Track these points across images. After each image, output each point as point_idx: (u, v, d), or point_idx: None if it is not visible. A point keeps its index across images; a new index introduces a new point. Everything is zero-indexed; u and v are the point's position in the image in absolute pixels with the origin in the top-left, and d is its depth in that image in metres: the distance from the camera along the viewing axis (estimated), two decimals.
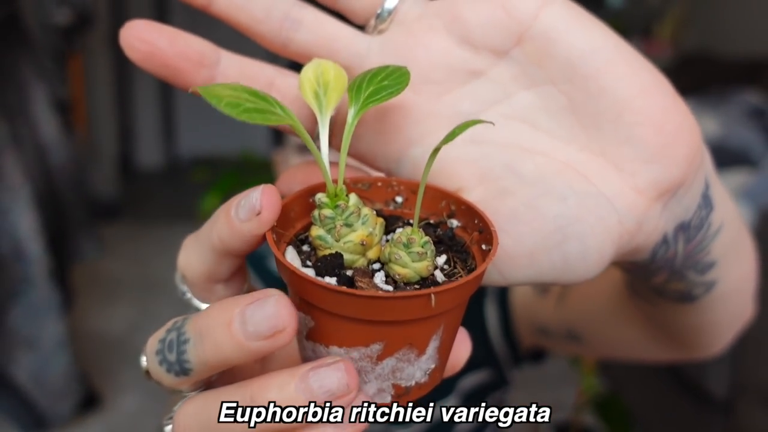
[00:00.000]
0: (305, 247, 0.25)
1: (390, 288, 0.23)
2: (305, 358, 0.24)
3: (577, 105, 0.26)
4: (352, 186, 0.27)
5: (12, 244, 1.64)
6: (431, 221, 0.27)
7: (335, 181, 0.24)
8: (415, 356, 0.23)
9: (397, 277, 0.23)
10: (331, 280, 0.23)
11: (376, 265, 0.24)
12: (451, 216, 0.27)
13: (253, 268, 0.77)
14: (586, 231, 0.25)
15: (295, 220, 0.26)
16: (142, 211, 3.40)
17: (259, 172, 1.83)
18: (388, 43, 0.27)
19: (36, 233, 1.66)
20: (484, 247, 0.25)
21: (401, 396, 0.24)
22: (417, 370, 0.23)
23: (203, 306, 0.27)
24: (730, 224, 0.32)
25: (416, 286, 0.23)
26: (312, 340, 0.23)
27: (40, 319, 1.71)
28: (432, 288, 0.21)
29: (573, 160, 0.26)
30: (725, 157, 1.72)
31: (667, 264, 0.30)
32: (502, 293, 0.67)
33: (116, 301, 2.47)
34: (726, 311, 0.39)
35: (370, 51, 0.28)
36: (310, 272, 0.23)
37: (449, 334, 0.24)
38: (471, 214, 0.26)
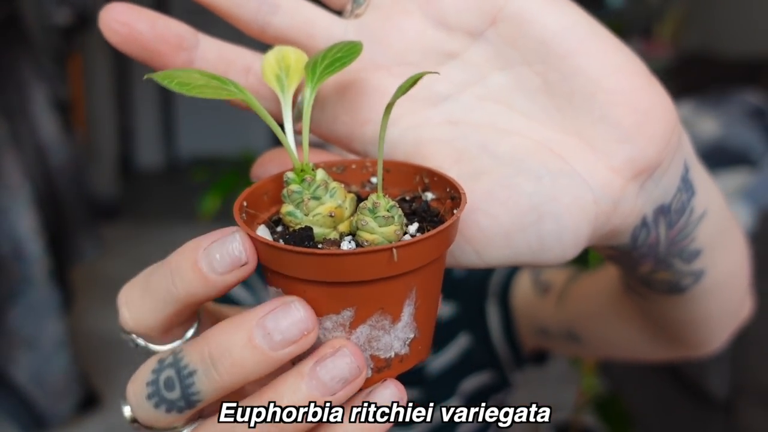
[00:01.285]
0: (279, 228, 0.25)
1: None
2: None
3: (551, 85, 0.26)
4: (326, 170, 0.27)
5: (12, 244, 1.64)
6: (406, 197, 0.27)
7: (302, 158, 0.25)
8: (389, 323, 0.23)
9: (365, 243, 0.23)
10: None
11: (348, 238, 0.24)
12: (425, 190, 0.27)
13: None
14: (561, 210, 0.25)
15: (270, 204, 0.26)
16: (142, 211, 3.40)
17: None
18: (364, 28, 0.28)
19: (36, 233, 1.66)
20: (455, 212, 0.25)
21: (382, 369, 0.23)
22: (394, 339, 0.23)
23: (162, 348, 0.26)
24: (716, 212, 0.32)
25: None
26: None
27: (40, 319, 1.71)
28: (394, 243, 0.21)
29: (548, 139, 0.26)
30: (725, 157, 1.72)
31: (650, 251, 0.30)
32: (504, 295, 0.67)
33: (116, 301, 2.47)
34: (718, 304, 0.39)
35: (347, 35, 0.28)
36: (280, 240, 0.23)
37: (425, 301, 0.24)
38: (443, 183, 0.26)
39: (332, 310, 0.22)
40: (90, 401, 1.89)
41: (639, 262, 0.32)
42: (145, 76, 0.23)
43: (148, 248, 2.94)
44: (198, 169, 2.01)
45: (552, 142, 0.26)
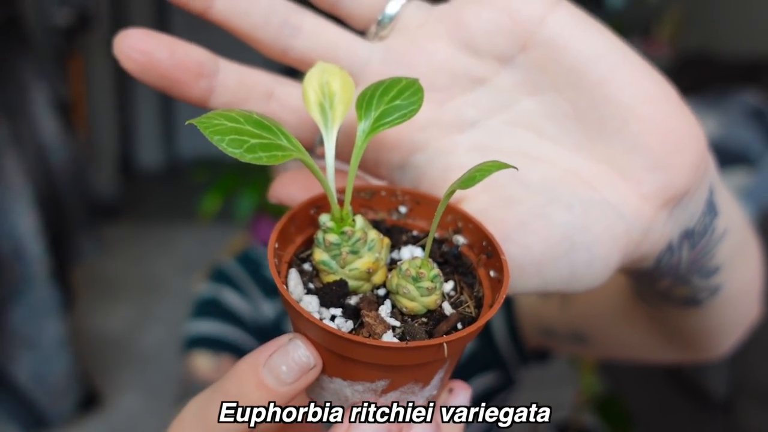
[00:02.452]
0: (306, 266, 0.24)
1: (397, 323, 0.22)
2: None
3: (581, 112, 0.25)
4: (354, 195, 0.26)
5: (12, 244, 1.63)
6: (436, 236, 0.26)
7: (341, 202, 0.23)
8: (419, 389, 0.23)
9: (404, 309, 0.23)
10: (336, 311, 0.22)
11: (381, 291, 0.24)
12: (456, 232, 0.26)
13: (249, 274, 0.77)
14: (593, 240, 0.25)
15: (296, 234, 0.25)
16: (142, 211, 3.40)
17: (260, 172, 1.83)
18: (390, 50, 0.27)
19: (36, 233, 1.66)
20: (492, 274, 0.24)
21: None
22: (419, 398, 0.23)
23: None
24: (735, 228, 0.32)
25: (423, 320, 0.23)
26: None
27: (40, 319, 1.71)
28: (445, 337, 0.21)
29: (578, 167, 0.26)
30: (725, 157, 1.72)
31: (671, 270, 0.30)
32: (507, 295, 0.66)
33: (116, 301, 2.47)
34: (732, 313, 0.38)
35: (372, 58, 0.27)
36: (314, 301, 0.22)
37: (453, 364, 0.24)
38: (479, 233, 0.25)
39: (367, 379, 0.22)
40: (90, 401, 1.89)
41: (658, 280, 0.32)
42: (187, 122, 0.21)
43: (148, 248, 2.94)
44: (198, 169, 2.01)
45: (582, 170, 0.26)
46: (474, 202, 0.27)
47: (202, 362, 0.70)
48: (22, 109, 1.72)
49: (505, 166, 0.21)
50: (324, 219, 0.23)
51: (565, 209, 0.25)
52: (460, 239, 0.26)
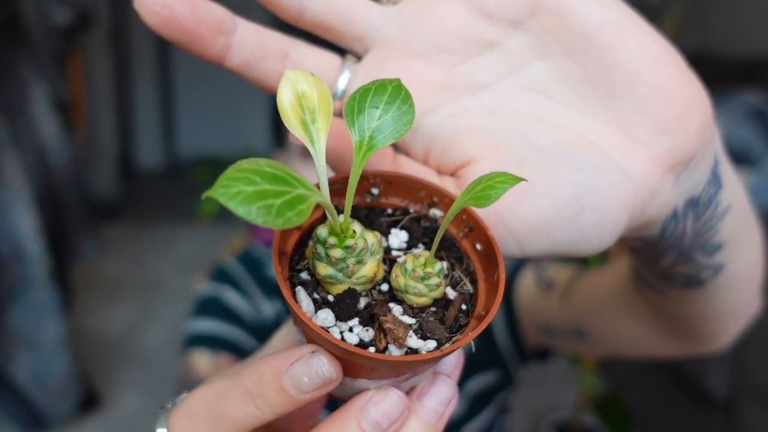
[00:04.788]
0: (303, 275, 0.24)
1: (412, 320, 0.23)
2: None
3: (591, 76, 0.26)
4: (329, 186, 0.26)
5: (12, 244, 1.63)
6: (411, 210, 0.27)
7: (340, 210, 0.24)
8: (431, 369, 0.24)
9: (415, 305, 0.24)
10: (353, 322, 0.23)
11: (384, 287, 0.24)
12: (432, 206, 0.26)
13: (250, 273, 0.77)
14: (602, 201, 0.26)
15: (284, 244, 0.25)
16: (142, 211, 3.40)
17: None
18: (403, 14, 0.27)
19: (36, 233, 1.66)
20: (478, 247, 0.25)
21: None
22: (406, 384, 0.24)
23: None
24: (739, 206, 0.33)
25: (432, 309, 0.24)
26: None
27: (40, 319, 1.71)
28: (448, 347, 0.22)
29: (588, 130, 0.26)
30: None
31: (675, 243, 0.31)
32: (507, 294, 0.66)
33: (116, 301, 2.47)
34: (733, 300, 0.39)
35: (386, 21, 0.28)
36: (329, 316, 0.23)
37: None
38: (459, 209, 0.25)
39: (394, 376, 0.23)
40: (90, 401, 1.89)
41: (663, 254, 0.33)
42: (203, 196, 0.19)
43: (148, 248, 2.94)
44: (198, 169, 2.01)
45: (592, 132, 0.26)
46: (484, 163, 0.27)
47: (201, 360, 0.70)
48: (21, 109, 1.72)
49: (518, 180, 0.22)
50: (322, 233, 0.23)
51: (575, 171, 0.26)
52: (436, 212, 0.26)
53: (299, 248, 0.25)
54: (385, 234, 0.26)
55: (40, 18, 1.93)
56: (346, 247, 0.23)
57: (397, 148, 0.29)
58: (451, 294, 0.25)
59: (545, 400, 1.86)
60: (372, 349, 0.22)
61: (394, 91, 0.24)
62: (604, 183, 0.25)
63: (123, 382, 2.03)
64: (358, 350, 0.21)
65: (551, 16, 0.26)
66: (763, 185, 1.59)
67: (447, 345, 0.22)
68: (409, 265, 0.23)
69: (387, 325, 0.22)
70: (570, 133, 0.26)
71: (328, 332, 0.21)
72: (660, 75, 0.25)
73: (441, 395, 0.24)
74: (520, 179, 0.22)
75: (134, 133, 3.98)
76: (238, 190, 0.18)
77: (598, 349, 0.58)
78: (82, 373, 1.88)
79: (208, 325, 0.72)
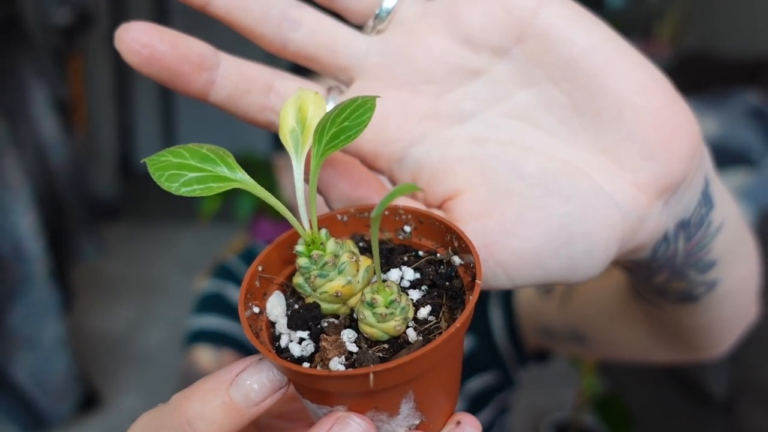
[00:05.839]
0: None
1: (355, 348, 0.22)
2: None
3: (577, 103, 0.25)
4: (357, 215, 0.26)
5: (12, 244, 1.63)
6: (438, 254, 0.25)
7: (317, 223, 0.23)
8: (387, 417, 0.22)
9: (365, 335, 0.22)
10: (304, 334, 0.22)
11: (346, 334, 0.23)
12: (455, 252, 0.25)
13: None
14: (590, 229, 0.25)
15: (288, 261, 0.25)
16: (142, 211, 3.40)
17: (260, 172, 1.83)
18: (388, 43, 0.27)
19: (36, 233, 1.66)
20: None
21: None
22: (397, 427, 0.23)
23: None
24: (731, 223, 0.32)
25: (385, 346, 0.22)
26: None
27: (40, 319, 1.71)
28: (371, 367, 0.20)
29: (574, 158, 0.26)
30: (725, 157, 1.72)
31: (667, 263, 0.30)
32: (506, 295, 0.66)
33: (116, 301, 2.47)
34: (729, 311, 0.38)
35: (370, 51, 0.27)
36: (283, 320, 0.23)
37: (431, 391, 0.23)
38: (468, 252, 0.24)
39: (327, 403, 0.22)
40: (90, 401, 1.89)
41: (655, 273, 0.32)
42: (142, 161, 0.22)
43: (148, 248, 2.94)
44: None
45: (578, 160, 0.26)
46: (472, 194, 0.27)
47: (204, 355, 0.70)
48: (21, 109, 1.72)
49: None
50: (299, 246, 0.23)
51: (563, 200, 0.25)
52: (456, 260, 0.25)
53: None
54: (397, 267, 0.25)
55: (40, 18, 1.93)
56: (309, 257, 0.23)
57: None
58: (413, 337, 0.22)
59: (545, 400, 1.86)
60: (306, 365, 0.21)
61: (359, 104, 0.24)
62: (592, 211, 0.25)
63: (123, 382, 2.03)
64: (265, 351, 0.20)
65: (536, 43, 0.25)
66: (763, 185, 1.59)
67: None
68: (367, 290, 0.22)
69: (323, 344, 0.22)
70: (556, 160, 0.26)
71: (260, 343, 0.21)
72: (646, 100, 0.25)
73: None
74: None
75: (134, 133, 3.98)
76: (165, 159, 0.22)
77: (596, 353, 0.58)
78: (82, 373, 1.88)
79: (211, 321, 0.72)
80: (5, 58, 1.69)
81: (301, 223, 0.23)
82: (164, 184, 0.21)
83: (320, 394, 0.21)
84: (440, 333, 0.22)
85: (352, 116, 0.23)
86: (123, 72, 3.62)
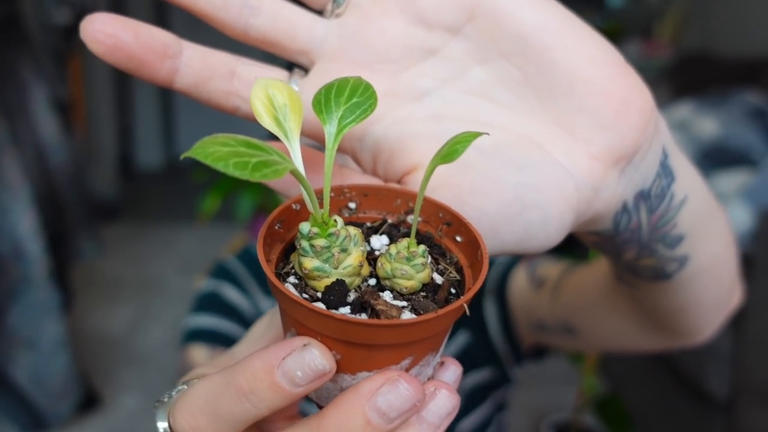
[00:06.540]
0: (291, 279, 0.24)
1: (404, 303, 0.23)
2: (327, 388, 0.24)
3: (530, 78, 0.26)
4: (304, 203, 0.26)
5: (12, 244, 1.63)
6: (389, 220, 0.27)
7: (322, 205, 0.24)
8: (432, 358, 0.24)
9: (404, 290, 0.24)
10: (345, 310, 0.23)
11: (372, 281, 0.24)
12: (408, 213, 0.27)
13: (249, 270, 0.77)
14: (544, 199, 0.26)
15: (269, 252, 0.25)
16: (142, 211, 3.40)
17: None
18: (345, 26, 0.28)
19: (36, 233, 1.66)
20: (458, 239, 0.26)
21: None
22: (431, 368, 0.24)
23: None
24: (697, 197, 0.33)
25: (423, 293, 0.24)
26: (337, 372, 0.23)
27: (39, 319, 1.71)
28: (463, 298, 0.22)
29: (529, 130, 0.27)
30: (725, 157, 1.72)
31: (633, 236, 0.31)
32: (500, 292, 0.67)
33: (116, 301, 2.47)
34: (705, 290, 0.39)
35: (329, 34, 0.28)
36: (320, 306, 0.22)
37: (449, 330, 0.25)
38: (432, 207, 0.26)
39: (394, 361, 0.22)
40: (90, 401, 1.89)
41: (623, 249, 0.33)
42: (182, 156, 0.20)
43: (148, 248, 2.94)
44: (198, 169, 2.00)
45: (533, 133, 0.27)
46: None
47: (199, 355, 0.70)
48: (21, 109, 1.72)
49: (478, 134, 0.22)
50: (305, 227, 0.23)
51: (516, 171, 0.26)
52: (409, 219, 0.27)
53: (285, 258, 0.25)
54: (366, 240, 0.26)
55: (39, 18, 1.93)
56: (329, 235, 0.23)
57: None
58: (439, 279, 0.25)
59: (545, 401, 1.86)
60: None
61: (355, 84, 0.25)
62: (545, 181, 0.26)
63: (123, 382, 2.03)
64: (356, 319, 0.20)
65: (487, 21, 0.26)
66: (763, 185, 1.59)
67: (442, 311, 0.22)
68: (393, 250, 0.24)
69: (379, 308, 0.22)
70: (511, 134, 0.27)
71: (323, 308, 0.21)
72: (596, 72, 0.26)
73: (441, 409, 0.23)
74: (481, 134, 0.22)
75: (134, 133, 3.99)
76: (214, 149, 0.20)
77: (587, 345, 0.59)
78: (81, 373, 1.88)
79: (207, 321, 0.73)
80: (5, 57, 1.69)
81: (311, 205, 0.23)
82: (235, 173, 0.19)
83: (391, 352, 0.22)
84: (449, 272, 0.25)
85: (357, 93, 0.25)
86: (122, 72, 3.62)
